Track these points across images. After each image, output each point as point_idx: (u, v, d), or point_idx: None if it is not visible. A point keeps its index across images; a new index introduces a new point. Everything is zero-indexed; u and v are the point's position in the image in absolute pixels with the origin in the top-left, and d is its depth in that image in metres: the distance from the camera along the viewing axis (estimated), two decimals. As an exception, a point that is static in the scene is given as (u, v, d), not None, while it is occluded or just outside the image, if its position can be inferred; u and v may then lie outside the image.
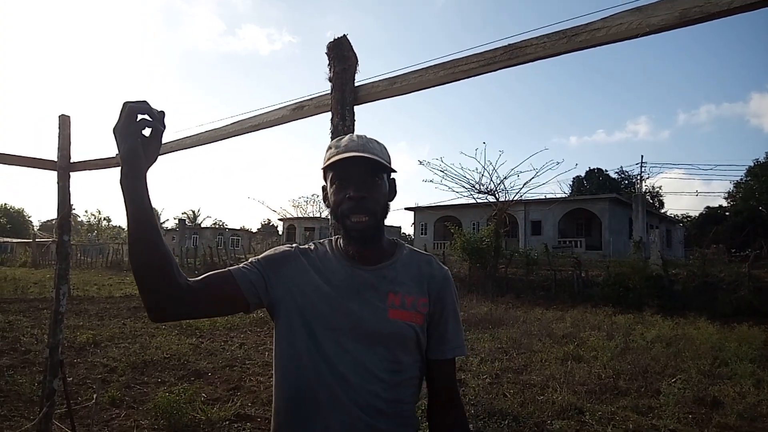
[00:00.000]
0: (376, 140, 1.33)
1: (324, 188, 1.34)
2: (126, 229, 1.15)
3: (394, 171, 1.31)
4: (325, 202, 1.34)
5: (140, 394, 5.56)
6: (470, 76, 1.57)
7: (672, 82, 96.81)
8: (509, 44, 1.48)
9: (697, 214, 50.83)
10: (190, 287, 1.20)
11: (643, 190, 38.65)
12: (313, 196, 61.38)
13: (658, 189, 52.78)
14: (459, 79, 1.61)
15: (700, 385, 6.13)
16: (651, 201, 46.31)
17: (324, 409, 1.22)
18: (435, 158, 46.17)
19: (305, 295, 1.27)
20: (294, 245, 1.38)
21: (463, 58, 1.58)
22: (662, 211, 48.02)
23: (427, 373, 1.35)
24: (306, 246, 1.38)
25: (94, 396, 4.22)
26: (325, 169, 1.31)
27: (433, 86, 1.67)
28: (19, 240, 59.84)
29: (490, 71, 1.53)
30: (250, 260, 1.34)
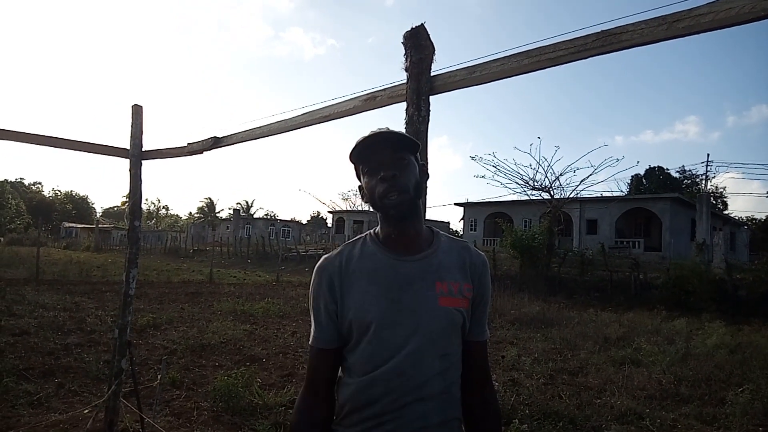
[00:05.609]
0: (398, 130, 1.37)
1: (360, 187, 1.40)
2: None
3: (418, 145, 1.35)
4: (363, 198, 1.38)
5: (199, 377, 5.73)
6: (558, 64, 1.51)
7: (721, 82, 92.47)
8: (602, 30, 1.41)
9: (764, 217, 48.29)
10: (333, 399, 1.37)
11: (707, 189, 36.89)
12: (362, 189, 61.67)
13: (721, 190, 50.32)
14: (545, 68, 1.55)
15: (771, 396, 5.81)
16: (714, 202, 44.17)
17: (379, 403, 1.26)
18: (487, 153, 45.59)
19: (358, 306, 1.30)
20: (326, 260, 1.37)
21: (550, 45, 1.52)
22: (725, 212, 45.74)
23: (465, 355, 1.38)
24: (337, 254, 1.38)
25: (158, 377, 4.38)
26: (356, 165, 1.37)
27: (516, 75, 1.61)
28: (83, 225, 62.98)
29: (581, 59, 1.46)
30: (316, 309, 1.36)
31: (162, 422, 4.20)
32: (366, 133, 1.34)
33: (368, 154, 1.31)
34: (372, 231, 1.41)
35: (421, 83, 1.83)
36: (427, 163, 1.91)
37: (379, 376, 1.26)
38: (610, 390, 5.94)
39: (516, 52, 1.62)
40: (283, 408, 4.75)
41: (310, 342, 1.36)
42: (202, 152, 3.24)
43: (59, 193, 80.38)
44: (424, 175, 1.40)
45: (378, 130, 1.32)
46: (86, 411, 4.30)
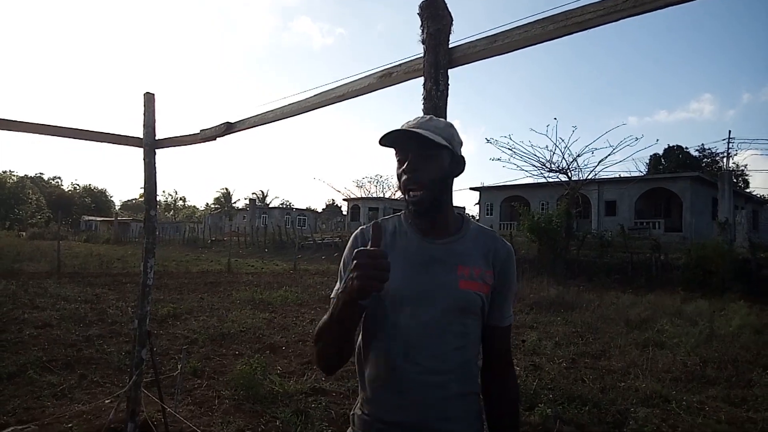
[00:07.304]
0: (442, 119, 1.40)
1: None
2: (325, 321, 1.27)
3: (446, 146, 1.32)
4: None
5: (219, 365, 5.74)
6: (585, 28, 1.42)
7: (734, 59, 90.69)
8: (635, -10, 1.32)
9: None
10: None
11: (729, 167, 36.05)
12: (376, 176, 61.64)
13: (743, 168, 49.15)
14: (572, 32, 1.46)
15: (801, 377, 5.68)
16: (735, 180, 43.22)
17: (400, 374, 1.30)
18: (502, 136, 45.18)
19: None
20: (362, 229, 1.44)
21: (577, 8, 1.43)
22: (747, 190, 44.79)
23: (486, 338, 1.43)
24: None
25: (179, 366, 4.38)
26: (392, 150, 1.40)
27: (541, 42, 1.53)
28: (102, 218, 63.71)
29: (611, 21, 1.37)
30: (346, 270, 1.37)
31: (183, 411, 4.20)
32: (410, 120, 1.36)
33: (398, 144, 1.34)
34: (404, 212, 1.46)
35: (439, 55, 1.75)
36: None
37: (399, 345, 1.30)
38: (634, 373, 5.85)
39: (540, 17, 1.53)
40: (303, 395, 4.74)
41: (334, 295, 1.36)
42: (215, 138, 3.19)
43: (78, 187, 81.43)
44: (457, 168, 1.39)
45: (414, 124, 1.32)
46: (108, 401, 4.32)
